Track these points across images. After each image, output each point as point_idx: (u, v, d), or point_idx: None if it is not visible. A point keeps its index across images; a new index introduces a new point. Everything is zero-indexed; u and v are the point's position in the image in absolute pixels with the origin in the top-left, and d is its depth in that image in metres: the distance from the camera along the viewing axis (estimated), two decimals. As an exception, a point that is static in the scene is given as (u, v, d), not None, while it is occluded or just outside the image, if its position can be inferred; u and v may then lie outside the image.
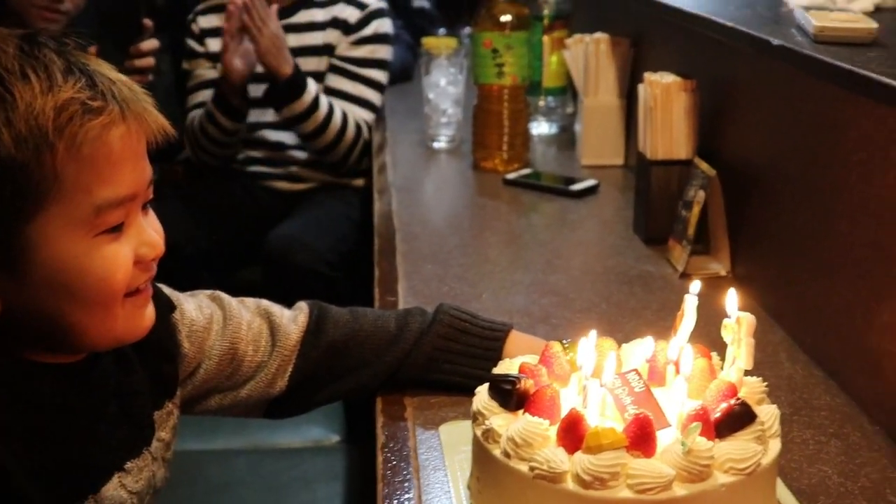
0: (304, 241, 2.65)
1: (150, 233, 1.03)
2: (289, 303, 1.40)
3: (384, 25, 2.89)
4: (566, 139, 2.65)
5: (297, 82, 2.70)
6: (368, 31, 2.86)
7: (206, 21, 2.90)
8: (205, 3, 2.93)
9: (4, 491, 0.95)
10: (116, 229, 1.00)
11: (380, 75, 2.89)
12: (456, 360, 1.33)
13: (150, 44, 2.22)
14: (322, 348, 1.32)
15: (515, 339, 1.35)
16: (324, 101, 2.76)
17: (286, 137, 2.88)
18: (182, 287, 1.30)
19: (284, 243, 2.67)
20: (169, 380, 1.21)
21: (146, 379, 1.15)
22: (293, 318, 1.34)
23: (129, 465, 1.09)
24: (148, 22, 2.23)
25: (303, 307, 1.36)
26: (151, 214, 1.06)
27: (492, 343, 1.34)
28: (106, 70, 1.00)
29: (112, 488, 1.07)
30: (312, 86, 2.74)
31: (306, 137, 2.81)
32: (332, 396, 1.36)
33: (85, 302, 0.99)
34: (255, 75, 2.83)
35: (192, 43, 2.90)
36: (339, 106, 2.80)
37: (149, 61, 2.22)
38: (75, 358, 1.05)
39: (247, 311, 1.32)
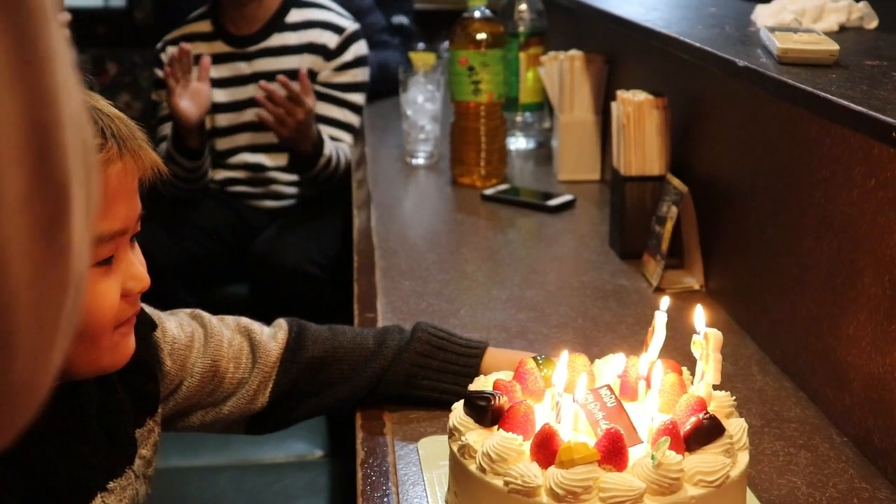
0: (290, 241, 2.67)
1: (137, 266, 1.06)
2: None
3: (362, 48, 2.91)
4: (543, 154, 2.67)
5: (316, 152, 2.68)
6: (349, 56, 2.87)
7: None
8: (175, 33, 2.89)
9: None
10: (106, 262, 1.02)
11: (360, 98, 2.91)
12: (434, 377, 1.36)
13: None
14: (301, 364, 1.35)
15: (493, 354, 1.38)
16: (333, 154, 2.74)
17: (265, 159, 2.88)
18: (165, 303, 1.32)
19: (270, 245, 2.68)
20: (150, 397, 1.23)
21: (127, 397, 1.17)
22: (273, 336, 1.36)
23: (111, 484, 1.11)
24: None
25: (282, 324, 1.39)
26: (137, 247, 1.08)
27: (469, 360, 1.36)
28: (104, 107, 1.03)
29: (95, 509, 1.08)
30: (328, 148, 2.71)
31: (310, 181, 2.81)
32: (312, 412, 1.38)
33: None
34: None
35: (160, 73, 2.81)
36: (333, 144, 2.79)
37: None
38: (56, 382, 1.06)
39: (227, 329, 1.35)
